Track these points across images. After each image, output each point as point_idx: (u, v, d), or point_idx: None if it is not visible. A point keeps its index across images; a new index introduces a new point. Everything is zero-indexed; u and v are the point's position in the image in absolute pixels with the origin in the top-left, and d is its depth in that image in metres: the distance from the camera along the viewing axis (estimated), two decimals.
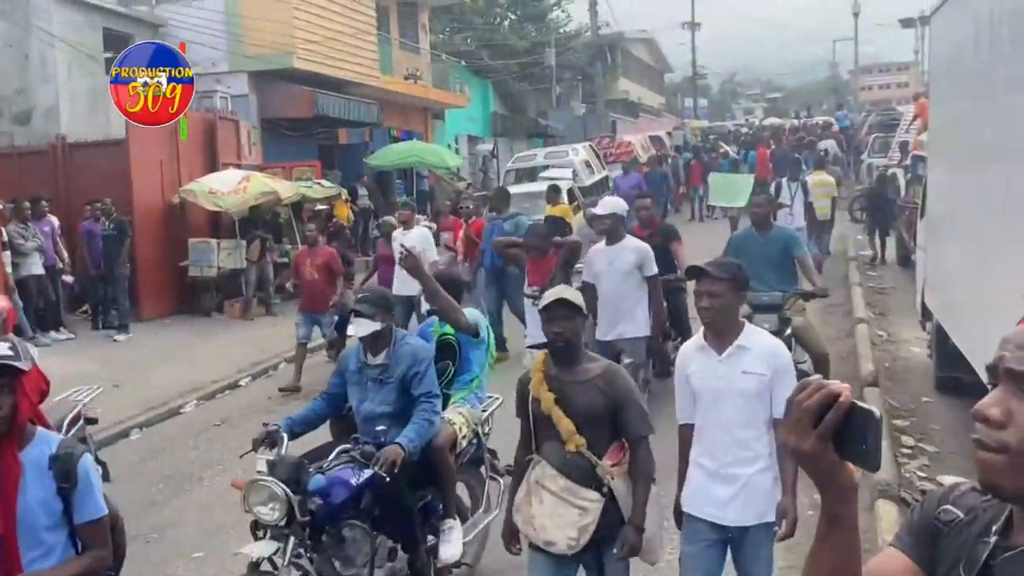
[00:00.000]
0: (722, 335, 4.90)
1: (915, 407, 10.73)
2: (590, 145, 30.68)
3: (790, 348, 7.36)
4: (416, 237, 13.85)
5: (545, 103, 49.39)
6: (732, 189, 22.06)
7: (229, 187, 19.30)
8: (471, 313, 6.78)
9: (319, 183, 22.62)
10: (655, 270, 9.85)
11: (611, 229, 9.86)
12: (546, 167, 26.24)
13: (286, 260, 19.53)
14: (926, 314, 11.76)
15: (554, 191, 17.67)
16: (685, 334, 10.55)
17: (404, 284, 12.86)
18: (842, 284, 17.94)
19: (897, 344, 13.59)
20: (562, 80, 52.17)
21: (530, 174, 26.82)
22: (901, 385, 11.63)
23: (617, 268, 9.71)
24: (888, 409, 10.44)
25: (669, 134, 45.23)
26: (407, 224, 14.42)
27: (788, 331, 9.60)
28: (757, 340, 4.91)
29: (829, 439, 1.75)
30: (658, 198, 23.69)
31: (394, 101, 30.60)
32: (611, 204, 10.15)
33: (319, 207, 21.58)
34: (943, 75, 11.02)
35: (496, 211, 15.46)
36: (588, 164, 27.69)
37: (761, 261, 9.86)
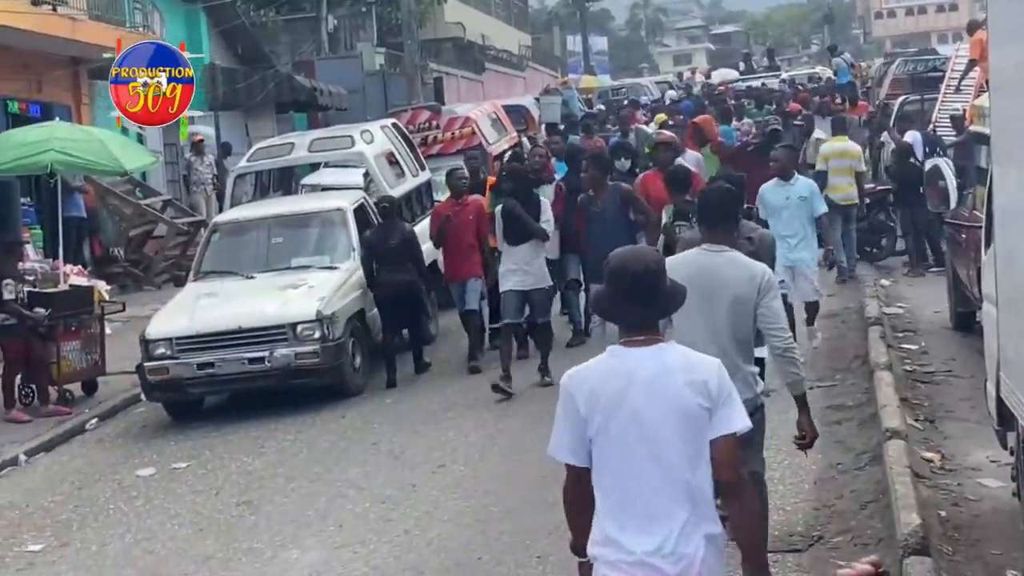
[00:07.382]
0: None
1: None
2: (394, 124, 16.71)
3: None
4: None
5: (308, 47, 30.53)
6: None
7: None
8: None
9: None
10: None
11: None
12: (315, 167, 15.55)
13: None
14: (1006, 420, 6.89)
15: None
16: None
17: None
18: (856, 362, 11.16)
19: (959, 476, 8.25)
20: (339, 5, 32.63)
21: (283, 181, 16.44)
22: (970, 550, 6.99)
23: None
24: None
25: (538, 99, 27.25)
26: None
27: None
28: None
29: None
30: None
31: (11, 46, 17.39)
32: None
33: None
34: None
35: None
36: (393, 159, 15.42)
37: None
